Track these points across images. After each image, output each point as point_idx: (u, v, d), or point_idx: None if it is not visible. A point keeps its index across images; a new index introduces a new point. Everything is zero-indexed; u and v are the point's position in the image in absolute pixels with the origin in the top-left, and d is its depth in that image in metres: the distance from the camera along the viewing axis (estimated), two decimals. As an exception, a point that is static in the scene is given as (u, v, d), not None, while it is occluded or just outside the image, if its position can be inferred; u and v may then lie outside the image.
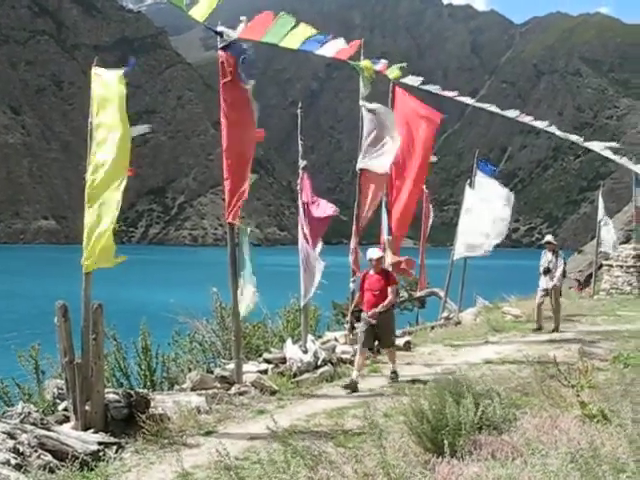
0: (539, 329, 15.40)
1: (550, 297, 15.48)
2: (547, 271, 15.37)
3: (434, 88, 14.48)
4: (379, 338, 10.35)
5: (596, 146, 16.94)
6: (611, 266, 25.85)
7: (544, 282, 15.49)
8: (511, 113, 15.80)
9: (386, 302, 10.19)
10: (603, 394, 7.10)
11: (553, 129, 16.52)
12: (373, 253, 10.57)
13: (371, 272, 10.51)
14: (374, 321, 10.04)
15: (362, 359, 10.24)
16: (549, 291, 15.44)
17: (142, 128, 9.66)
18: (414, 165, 14.15)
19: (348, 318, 12.87)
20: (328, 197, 13.58)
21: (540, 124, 16.32)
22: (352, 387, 9.51)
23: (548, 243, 15.76)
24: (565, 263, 15.87)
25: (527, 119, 15.95)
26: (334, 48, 11.47)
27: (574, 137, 17.06)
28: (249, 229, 9.99)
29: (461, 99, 15.19)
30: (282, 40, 10.56)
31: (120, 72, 7.56)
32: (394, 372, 10.35)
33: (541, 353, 11.58)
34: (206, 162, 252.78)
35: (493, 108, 15.54)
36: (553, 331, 15.05)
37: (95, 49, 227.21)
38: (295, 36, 10.65)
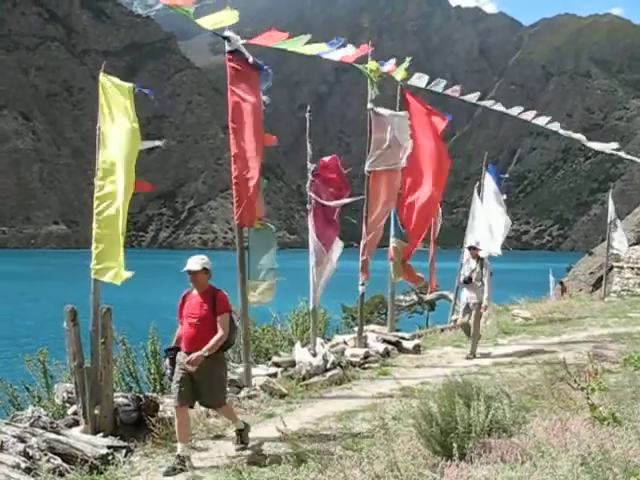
0: (472, 355, 12.55)
1: (469, 313, 12.89)
2: (469, 281, 12.83)
3: (440, 87, 14.28)
4: (199, 394, 6.84)
5: (599, 146, 16.72)
6: (622, 268, 25.75)
7: (466, 295, 13.05)
8: (514, 110, 15.57)
9: (212, 341, 6.70)
10: (614, 397, 7.06)
11: (556, 126, 16.03)
12: (192, 263, 6.91)
13: (194, 292, 7.04)
14: (192, 368, 6.64)
15: (184, 423, 6.75)
16: (471, 307, 12.83)
17: (152, 143, 9.68)
18: (429, 169, 14.10)
19: (358, 321, 12.88)
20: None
21: (543, 120, 15.78)
22: (177, 469, 6.35)
23: (472, 249, 13.23)
24: (492, 274, 12.90)
25: (529, 116, 15.53)
26: (341, 52, 11.51)
27: (577, 135, 16.73)
28: (273, 227, 10.12)
29: (465, 98, 15.03)
30: (292, 46, 10.68)
31: (130, 85, 7.62)
32: (240, 432, 7.14)
33: (551, 355, 11.54)
34: (215, 166, 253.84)
35: (497, 106, 15.34)
36: (467, 358, 12.37)
37: (105, 54, 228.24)
38: (307, 47, 10.79)
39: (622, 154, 16.77)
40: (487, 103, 15.44)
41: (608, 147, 16.42)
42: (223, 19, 9.49)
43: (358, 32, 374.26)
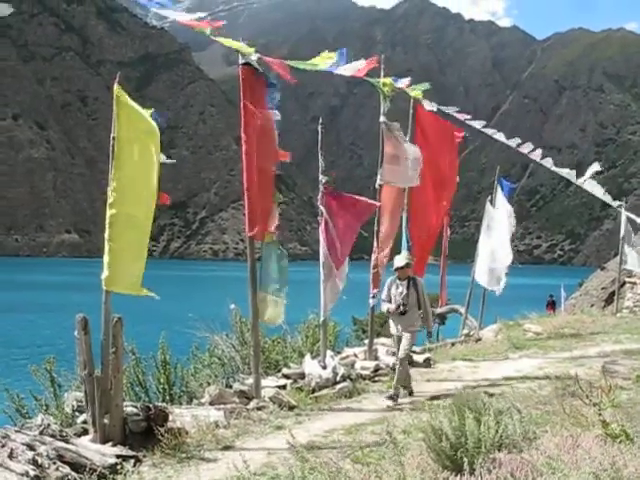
0: (410, 393, 10.37)
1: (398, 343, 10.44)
2: (404, 312, 10.23)
3: (451, 109, 14.52)
4: None
5: (589, 186, 16.69)
6: (634, 283, 25.55)
7: (396, 325, 10.42)
8: (513, 142, 15.72)
9: None
10: (626, 413, 6.99)
11: (549, 162, 16.28)
12: None
13: None
14: None
15: None
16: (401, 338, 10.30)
17: (164, 158, 9.75)
18: (438, 184, 14.19)
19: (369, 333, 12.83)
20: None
21: (537, 155, 15.96)
22: None
23: (399, 269, 10.44)
24: (427, 301, 10.58)
25: (526, 149, 15.78)
26: (353, 67, 11.54)
27: (565, 171, 16.84)
28: (280, 247, 10.16)
29: (474, 123, 15.19)
30: (302, 65, 10.76)
31: (148, 112, 7.72)
32: None
33: (562, 371, 11.45)
34: (228, 177, 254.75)
35: (498, 135, 15.52)
36: (390, 398, 9.82)
37: (119, 65, 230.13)
38: (317, 61, 10.83)
39: (608, 199, 16.67)
40: (489, 131, 15.58)
41: (599, 191, 16.47)
42: (240, 46, 9.55)
43: (371, 45, 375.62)
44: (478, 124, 15.05)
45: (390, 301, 10.45)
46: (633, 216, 23.72)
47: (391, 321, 10.70)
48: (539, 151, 16.02)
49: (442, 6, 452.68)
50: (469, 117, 14.84)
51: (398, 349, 10.39)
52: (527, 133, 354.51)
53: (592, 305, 29.91)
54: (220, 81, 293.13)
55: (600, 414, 6.10)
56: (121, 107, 7.52)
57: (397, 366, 10.21)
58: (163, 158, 8.19)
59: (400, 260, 10.61)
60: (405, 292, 10.31)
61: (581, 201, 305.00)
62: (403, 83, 13.11)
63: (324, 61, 10.86)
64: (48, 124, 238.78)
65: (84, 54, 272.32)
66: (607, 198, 16.43)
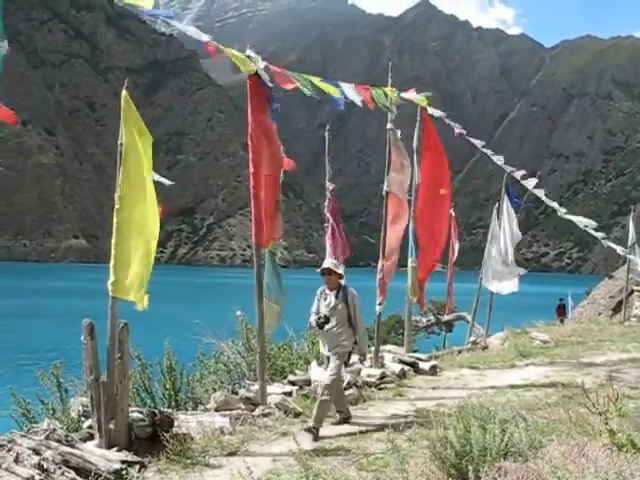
0: (346, 418, 8.95)
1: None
2: (322, 325, 8.64)
3: (454, 125, 14.60)
4: None
5: (576, 219, 16.75)
6: (642, 292, 25.43)
7: (323, 344, 8.91)
8: (507, 167, 15.80)
9: None
10: (633, 423, 6.95)
11: (541, 193, 16.35)
12: None
13: None
14: None
15: None
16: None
17: (162, 179, 9.78)
18: (436, 194, 14.33)
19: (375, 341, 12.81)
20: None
21: (531, 183, 16.06)
22: None
23: (327, 274, 8.82)
24: (360, 317, 8.84)
25: (519, 175, 15.90)
26: (355, 95, 11.60)
27: (555, 204, 16.91)
28: (279, 253, 10.11)
29: (474, 141, 15.25)
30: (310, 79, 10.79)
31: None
32: None
33: (569, 379, 11.41)
34: (235, 183, 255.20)
35: (496, 158, 15.58)
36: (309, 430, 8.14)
37: (128, 71, 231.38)
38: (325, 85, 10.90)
39: (592, 231, 16.74)
40: (488, 152, 15.67)
41: (590, 223, 16.53)
42: (244, 61, 9.57)
43: (379, 51, 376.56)
44: (478, 143, 15.12)
45: (318, 314, 8.82)
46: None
47: (320, 338, 9.23)
48: (533, 181, 16.17)
49: (450, 13, 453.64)
50: (464, 133, 14.94)
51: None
52: (535, 141, 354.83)
53: (600, 313, 29.82)
54: (228, 87, 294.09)
55: (607, 423, 6.07)
56: (128, 113, 7.56)
57: (319, 396, 8.43)
58: (157, 177, 8.23)
59: (325, 263, 9.05)
60: (333, 303, 8.71)
61: (589, 209, 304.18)
62: (409, 96, 13.22)
63: (329, 90, 10.90)
64: (57, 130, 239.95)
65: (93, 60, 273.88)
66: (591, 231, 16.73)
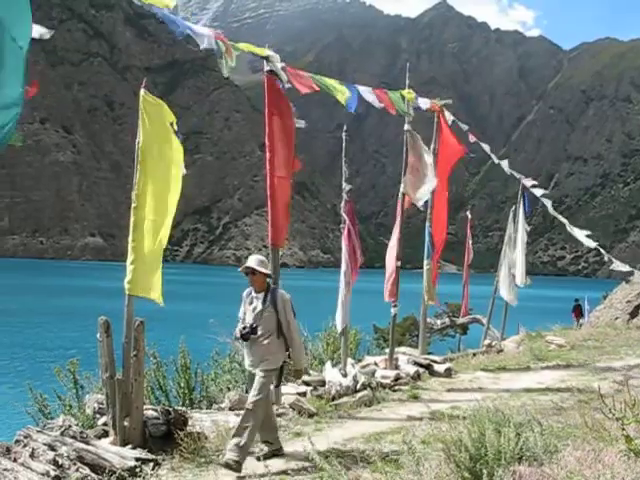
0: (274, 450, 7.35)
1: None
2: (246, 336, 7.14)
3: (465, 127, 14.73)
4: None
5: (579, 233, 16.77)
6: (660, 297, 25.18)
7: (247, 357, 7.35)
8: (516, 173, 15.85)
9: None
10: (649, 428, 6.89)
11: (548, 203, 16.49)
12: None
13: None
14: None
15: None
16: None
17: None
18: (445, 196, 14.45)
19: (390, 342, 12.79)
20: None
21: (538, 192, 16.24)
22: None
23: (251, 273, 7.22)
24: (295, 325, 7.35)
25: (529, 184, 16.09)
26: (374, 99, 11.71)
27: (563, 219, 17.04)
28: (280, 252, 10.11)
29: (484, 146, 15.34)
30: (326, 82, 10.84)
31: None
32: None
33: (585, 384, 11.33)
34: (251, 183, 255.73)
35: (503, 163, 15.75)
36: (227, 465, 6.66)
37: (146, 71, 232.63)
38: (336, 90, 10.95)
39: (596, 246, 16.77)
40: (495, 158, 15.79)
41: (589, 240, 16.66)
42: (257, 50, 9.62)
43: (396, 53, 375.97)
44: (486, 147, 15.27)
45: (244, 320, 7.32)
46: None
47: (244, 351, 7.52)
48: (540, 191, 16.38)
49: (468, 15, 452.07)
50: (473, 140, 15.08)
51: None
52: (552, 144, 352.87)
53: (616, 318, 29.53)
54: (245, 87, 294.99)
55: (623, 429, 6.01)
56: (146, 112, 7.58)
57: (244, 423, 6.88)
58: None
59: (249, 260, 7.33)
60: (259, 309, 7.20)
61: (607, 213, 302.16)
62: (426, 103, 13.35)
63: (338, 97, 10.95)
64: (74, 128, 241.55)
65: (111, 60, 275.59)
66: (589, 241, 16.78)
